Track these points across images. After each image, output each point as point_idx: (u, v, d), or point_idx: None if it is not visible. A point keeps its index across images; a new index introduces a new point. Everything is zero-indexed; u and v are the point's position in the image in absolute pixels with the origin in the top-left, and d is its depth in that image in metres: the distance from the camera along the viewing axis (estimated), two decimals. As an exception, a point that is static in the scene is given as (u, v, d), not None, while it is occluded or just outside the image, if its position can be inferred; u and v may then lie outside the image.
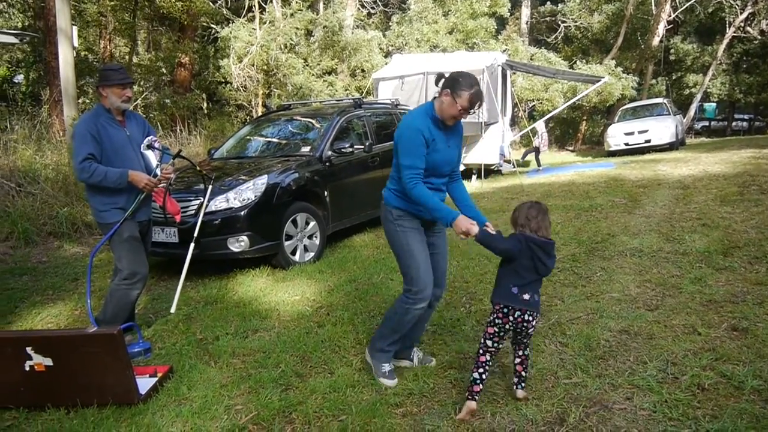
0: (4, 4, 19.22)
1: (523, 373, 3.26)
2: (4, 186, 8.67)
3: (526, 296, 3.08)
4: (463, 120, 3.50)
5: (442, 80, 3.43)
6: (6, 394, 3.45)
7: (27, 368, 3.37)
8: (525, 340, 3.20)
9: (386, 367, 3.61)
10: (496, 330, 3.12)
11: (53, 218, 8.57)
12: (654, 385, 3.26)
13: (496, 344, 3.13)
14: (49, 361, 3.35)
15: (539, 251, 3.10)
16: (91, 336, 3.35)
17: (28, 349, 3.34)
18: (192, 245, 5.47)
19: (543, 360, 3.69)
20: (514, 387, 3.28)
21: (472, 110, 3.38)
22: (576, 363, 3.60)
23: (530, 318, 3.09)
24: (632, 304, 4.54)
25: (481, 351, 3.14)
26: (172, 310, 5.15)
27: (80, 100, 14.72)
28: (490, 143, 13.69)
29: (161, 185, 4.42)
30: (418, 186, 3.29)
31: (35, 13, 18.20)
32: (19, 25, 19.70)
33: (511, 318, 3.08)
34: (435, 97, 3.48)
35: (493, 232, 3.22)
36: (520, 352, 3.23)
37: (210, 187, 5.65)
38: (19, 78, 21.47)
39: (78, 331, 3.63)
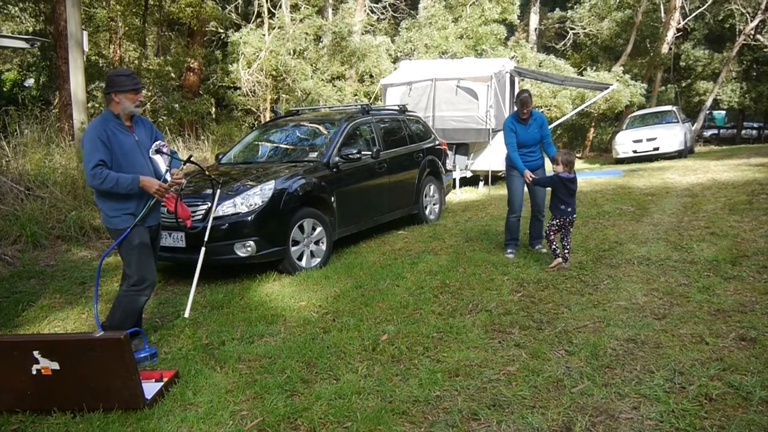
0: (16, 9, 19.36)
1: None
2: (14, 189, 8.72)
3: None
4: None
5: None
6: (13, 397, 3.46)
7: (34, 372, 3.38)
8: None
9: (509, 252, 6.61)
10: None
11: (61, 222, 8.62)
12: (661, 394, 3.24)
13: None
14: (55, 365, 3.37)
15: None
16: (98, 340, 3.37)
17: (35, 353, 3.35)
18: (203, 249, 5.49)
19: (549, 368, 3.67)
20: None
21: (526, 109, 6.35)
22: (582, 371, 3.59)
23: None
24: (639, 313, 4.52)
25: None
26: (186, 314, 5.17)
27: (90, 105, 14.80)
28: (498, 150, 13.67)
29: (172, 190, 4.44)
30: (511, 150, 6.45)
31: (46, 17, 18.34)
32: (30, 29, 19.84)
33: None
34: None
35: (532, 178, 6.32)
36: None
37: (218, 190, 5.68)
38: (30, 82, 21.61)
39: (85, 336, 3.64)
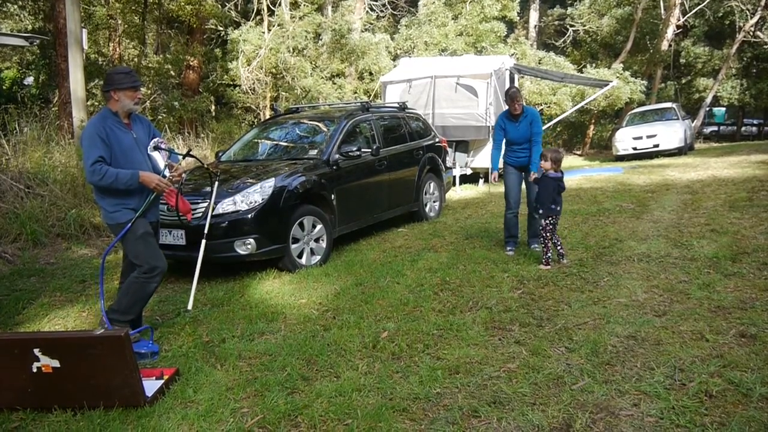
0: (15, 6, 19.34)
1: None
2: (13, 188, 8.72)
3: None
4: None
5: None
6: (13, 395, 3.46)
7: (34, 370, 3.38)
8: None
9: (508, 250, 6.60)
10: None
11: (61, 220, 8.62)
12: (661, 391, 3.24)
13: None
14: (56, 363, 3.36)
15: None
16: (99, 338, 3.36)
17: (36, 351, 3.35)
18: (203, 243, 5.50)
19: (549, 365, 3.67)
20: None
21: (516, 104, 6.37)
22: (583, 368, 3.59)
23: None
24: (640, 310, 4.52)
25: None
26: (189, 306, 5.23)
27: (89, 103, 14.79)
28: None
29: (172, 185, 4.45)
30: (494, 148, 6.74)
31: (45, 15, 18.32)
32: (30, 27, 19.82)
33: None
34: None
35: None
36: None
37: (216, 183, 5.68)
38: (29, 80, 21.58)
39: (85, 333, 3.64)
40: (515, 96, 6.39)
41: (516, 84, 15.03)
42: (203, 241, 5.56)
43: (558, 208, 5.94)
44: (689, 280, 5.14)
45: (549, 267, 5.86)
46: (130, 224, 4.21)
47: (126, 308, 4.31)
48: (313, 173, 6.75)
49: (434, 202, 9.33)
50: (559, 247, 5.99)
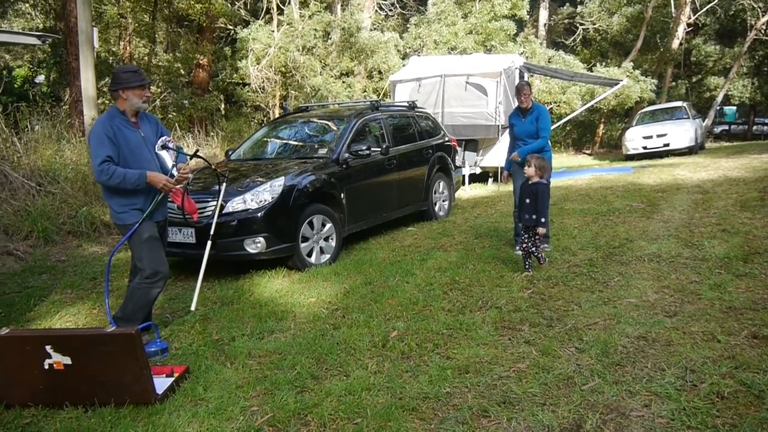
0: (27, 5, 19.46)
1: None
2: (25, 185, 8.78)
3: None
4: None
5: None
6: (25, 392, 3.49)
7: (46, 367, 3.40)
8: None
9: (517, 249, 6.19)
10: None
11: (72, 217, 8.67)
12: (672, 392, 3.22)
13: None
14: (67, 360, 3.39)
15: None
16: (110, 335, 3.38)
17: (48, 348, 3.37)
18: (209, 243, 5.52)
19: (559, 365, 3.66)
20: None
21: (522, 97, 6.39)
22: (593, 369, 3.57)
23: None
24: (650, 310, 4.50)
25: None
26: (192, 307, 5.22)
27: (100, 101, 14.87)
28: (507, 146, 13.64)
29: (179, 185, 4.46)
30: (509, 147, 6.80)
31: (56, 14, 18.43)
32: (41, 26, 19.95)
33: None
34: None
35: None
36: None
37: (224, 185, 5.70)
38: (40, 78, 21.72)
39: (97, 331, 3.66)
40: (522, 88, 6.41)
41: (526, 83, 14.98)
42: (209, 242, 5.56)
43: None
44: (700, 280, 5.11)
45: (545, 263, 5.84)
46: (136, 226, 4.23)
47: (130, 314, 4.32)
48: (323, 172, 6.76)
49: (444, 201, 9.32)
50: (539, 255, 5.81)
